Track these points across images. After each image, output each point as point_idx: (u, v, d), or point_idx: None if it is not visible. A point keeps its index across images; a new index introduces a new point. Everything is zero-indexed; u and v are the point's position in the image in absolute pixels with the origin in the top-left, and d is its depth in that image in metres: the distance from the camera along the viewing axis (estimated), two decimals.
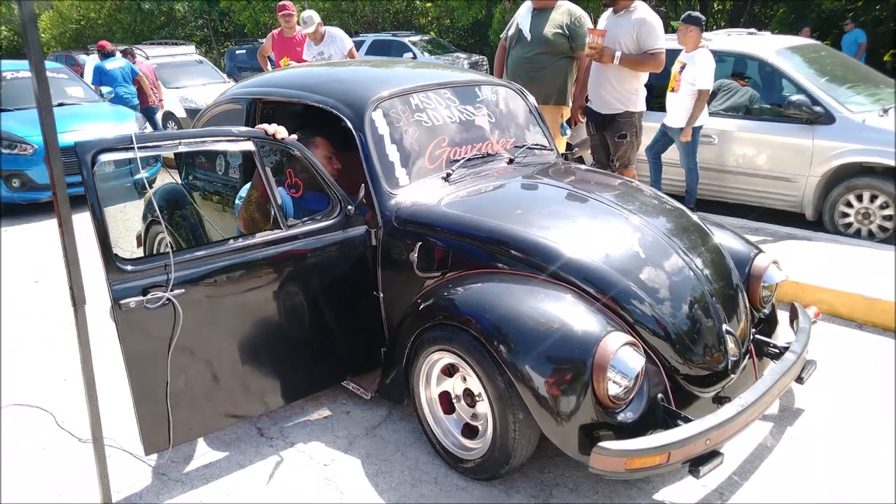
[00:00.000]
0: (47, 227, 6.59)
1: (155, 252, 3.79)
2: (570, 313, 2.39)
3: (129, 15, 27.94)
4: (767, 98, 6.12)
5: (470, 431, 2.64)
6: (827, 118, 5.41)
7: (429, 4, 21.72)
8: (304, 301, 2.87)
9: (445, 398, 2.71)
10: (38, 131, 6.99)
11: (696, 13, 5.59)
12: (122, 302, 2.34)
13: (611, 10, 4.67)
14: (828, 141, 5.39)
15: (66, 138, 7.00)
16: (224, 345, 2.67)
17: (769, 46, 6.14)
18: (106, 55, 9.49)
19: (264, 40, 7.70)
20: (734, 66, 6.53)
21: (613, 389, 2.25)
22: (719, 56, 6.33)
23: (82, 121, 7.29)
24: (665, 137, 6.04)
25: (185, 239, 3.75)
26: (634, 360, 2.26)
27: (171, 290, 2.42)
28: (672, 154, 6.17)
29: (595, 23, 4.86)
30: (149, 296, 2.38)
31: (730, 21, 17.39)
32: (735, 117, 6.05)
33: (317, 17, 6.62)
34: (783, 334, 3.09)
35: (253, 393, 2.79)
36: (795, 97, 5.49)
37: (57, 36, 29.72)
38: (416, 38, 17.46)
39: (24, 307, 4.49)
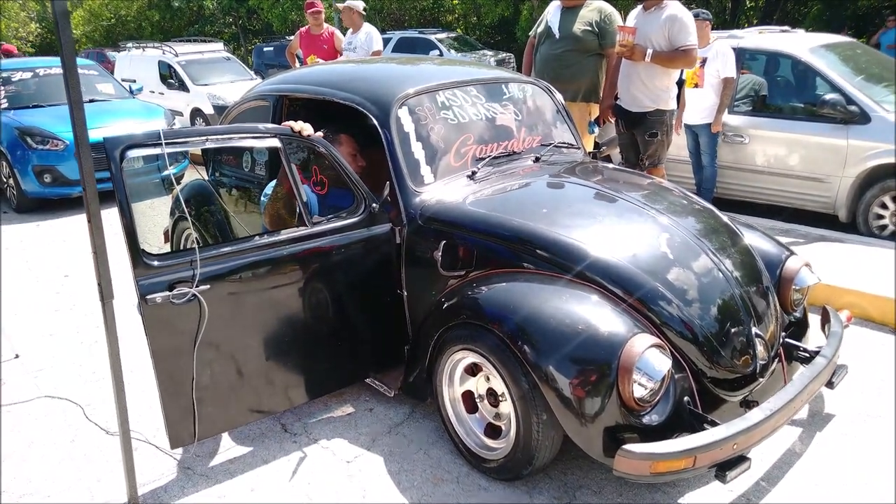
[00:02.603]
0: (78, 222, 6.70)
1: (181, 248, 3.83)
2: (595, 314, 2.36)
3: (159, 12, 28.28)
4: (801, 97, 6.03)
5: (493, 431, 2.63)
6: (862, 117, 5.30)
7: (455, 2, 21.67)
8: (328, 298, 2.88)
9: (468, 397, 2.69)
10: (70, 128, 7.12)
11: (704, 10, 5.68)
12: (148, 297, 2.36)
13: (641, 7, 4.62)
14: (863, 141, 5.28)
15: (95, 134, 7.12)
16: (249, 340, 2.68)
17: (802, 44, 6.03)
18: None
19: (292, 38, 7.77)
20: (766, 64, 6.44)
21: (639, 392, 2.22)
22: (751, 54, 6.29)
23: (112, 117, 7.38)
24: (695, 137, 6.02)
25: (212, 235, 3.78)
26: (661, 363, 2.22)
27: (197, 286, 2.44)
28: (682, 151, 6.15)
29: (625, 20, 4.80)
30: (175, 291, 2.40)
31: (762, 18, 17.12)
32: (766, 116, 5.97)
33: (360, 5, 6.79)
34: (814, 338, 3.03)
35: (277, 389, 2.80)
36: (830, 96, 5.40)
37: (88, 33, 30.18)
38: (442, 36, 17.42)
39: (56, 301, 4.56)
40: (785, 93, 6.29)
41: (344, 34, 7.23)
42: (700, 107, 5.79)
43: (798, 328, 3.01)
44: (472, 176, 3.09)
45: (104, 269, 2.13)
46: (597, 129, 5.10)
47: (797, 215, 5.78)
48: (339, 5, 7.03)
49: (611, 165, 3.78)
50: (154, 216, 4.14)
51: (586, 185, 3.12)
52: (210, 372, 2.58)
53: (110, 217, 2.32)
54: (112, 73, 12.74)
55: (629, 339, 2.25)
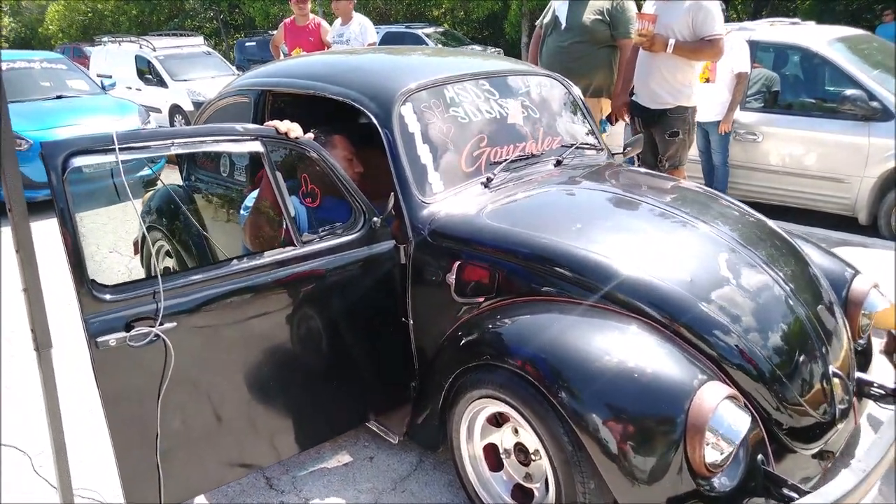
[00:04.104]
0: (44, 229, 6.16)
1: (153, 263, 3.36)
2: (652, 355, 1.94)
3: (137, 6, 27.54)
4: (817, 92, 5.70)
5: (521, 494, 2.19)
6: (884, 114, 4.99)
7: None
8: (321, 330, 2.42)
9: (491, 451, 2.26)
10: (35, 126, 6.50)
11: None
12: (99, 340, 1.90)
13: None
14: (886, 139, 4.95)
15: (63, 133, 6.63)
16: (226, 386, 2.23)
17: (819, 36, 5.70)
18: None
19: (275, 32, 7.31)
20: (776, 58, 6.13)
21: (712, 456, 1.79)
22: (763, 47, 5.95)
23: (81, 114, 6.88)
24: (706, 136, 5.69)
25: (186, 249, 3.32)
26: (738, 420, 1.80)
27: (161, 325, 1.98)
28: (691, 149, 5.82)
29: (640, 7, 4.39)
30: (133, 332, 1.94)
31: (753, 14, 16.87)
32: (781, 113, 5.66)
33: None
34: (878, 369, 2.64)
35: (261, 440, 2.34)
36: (851, 92, 5.11)
37: (65, 28, 29.43)
38: (429, 30, 16.96)
39: (11, 323, 4.07)
40: (800, 88, 5.97)
41: (331, 25, 6.76)
42: (712, 103, 5.41)
43: (863, 358, 2.62)
44: (487, 183, 2.66)
45: (38, 311, 1.69)
46: (609, 128, 4.70)
47: (812, 217, 5.47)
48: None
49: (642, 170, 3.37)
50: (126, 221, 3.70)
51: (619, 194, 2.70)
52: (178, 425, 2.13)
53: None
54: (88, 68, 12.18)
55: (698, 389, 1.83)
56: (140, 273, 3.57)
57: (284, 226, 2.32)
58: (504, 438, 2.21)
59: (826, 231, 5.19)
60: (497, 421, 2.21)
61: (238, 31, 26.23)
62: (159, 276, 1.99)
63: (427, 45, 15.70)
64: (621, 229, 2.45)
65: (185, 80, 11.75)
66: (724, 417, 1.79)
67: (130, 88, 12.05)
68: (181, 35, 15.31)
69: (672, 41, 3.95)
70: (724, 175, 5.73)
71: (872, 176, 5.08)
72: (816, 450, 2.12)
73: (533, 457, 2.10)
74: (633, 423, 1.83)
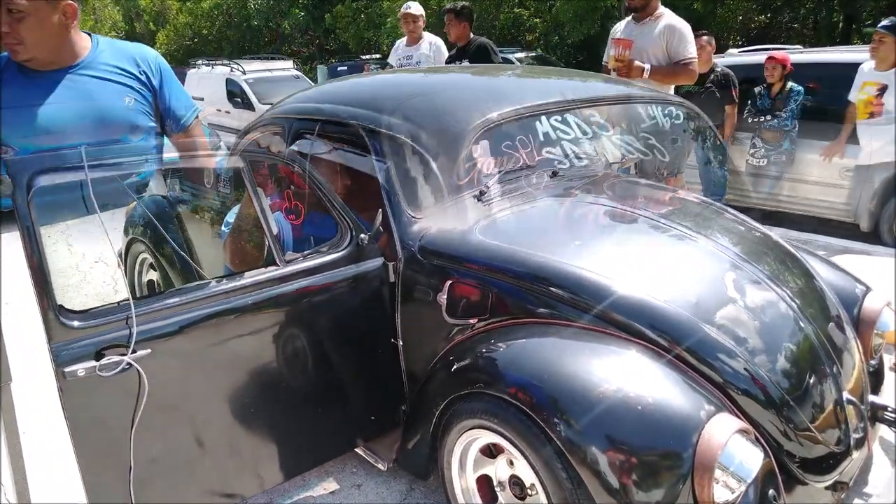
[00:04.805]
0: None
1: (129, 282, 3.23)
2: (655, 382, 1.82)
3: (238, 32, 27.82)
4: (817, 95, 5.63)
5: None
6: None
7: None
8: (306, 353, 2.30)
9: (485, 483, 2.14)
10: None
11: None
12: (67, 370, 1.78)
13: (630, 18, 4.14)
14: None
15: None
16: (207, 414, 2.11)
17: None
18: None
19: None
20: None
21: (723, 495, 1.67)
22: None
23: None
24: None
25: (169, 262, 3.19)
26: (750, 456, 1.69)
27: (134, 352, 1.86)
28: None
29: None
30: (103, 360, 1.82)
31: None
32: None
33: (419, 10, 5.66)
34: (889, 389, 2.53)
35: (244, 470, 2.22)
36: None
37: (172, 52, 29.73)
38: (521, 55, 15.62)
39: None
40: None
41: (391, 44, 6.22)
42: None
43: (875, 379, 2.51)
44: (480, 196, 2.54)
45: None
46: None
47: (811, 223, 5.43)
48: (400, 11, 5.72)
49: (641, 180, 3.24)
50: (114, 230, 3.55)
51: (618, 208, 2.58)
52: (155, 456, 2.01)
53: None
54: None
55: (706, 422, 1.71)
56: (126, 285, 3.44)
57: (267, 244, 2.20)
58: (499, 470, 2.08)
59: (827, 238, 5.11)
60: (491, 451, 2.09)
61: (333, 55, 25.77)
62: (131, 301, 1.86)
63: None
64: (620, 246, 2.34)
65: (272, 104, 11.76)
66: (734, 454, 1.67)
67: (220, 111, 12.18)
68: (271, 58, 15.37)
69: (648, 67, 3.89)
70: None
71: (874, 181, 4.99)
72: (830, 482, 2.01)
73: (529, 491, 1.98)
74: (635, 457, 1.71)
